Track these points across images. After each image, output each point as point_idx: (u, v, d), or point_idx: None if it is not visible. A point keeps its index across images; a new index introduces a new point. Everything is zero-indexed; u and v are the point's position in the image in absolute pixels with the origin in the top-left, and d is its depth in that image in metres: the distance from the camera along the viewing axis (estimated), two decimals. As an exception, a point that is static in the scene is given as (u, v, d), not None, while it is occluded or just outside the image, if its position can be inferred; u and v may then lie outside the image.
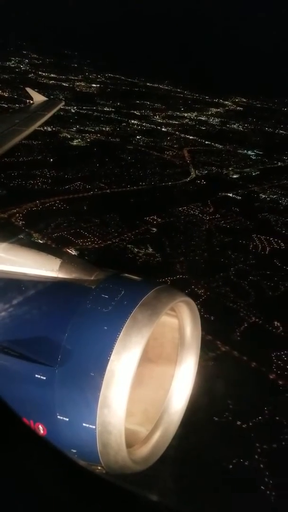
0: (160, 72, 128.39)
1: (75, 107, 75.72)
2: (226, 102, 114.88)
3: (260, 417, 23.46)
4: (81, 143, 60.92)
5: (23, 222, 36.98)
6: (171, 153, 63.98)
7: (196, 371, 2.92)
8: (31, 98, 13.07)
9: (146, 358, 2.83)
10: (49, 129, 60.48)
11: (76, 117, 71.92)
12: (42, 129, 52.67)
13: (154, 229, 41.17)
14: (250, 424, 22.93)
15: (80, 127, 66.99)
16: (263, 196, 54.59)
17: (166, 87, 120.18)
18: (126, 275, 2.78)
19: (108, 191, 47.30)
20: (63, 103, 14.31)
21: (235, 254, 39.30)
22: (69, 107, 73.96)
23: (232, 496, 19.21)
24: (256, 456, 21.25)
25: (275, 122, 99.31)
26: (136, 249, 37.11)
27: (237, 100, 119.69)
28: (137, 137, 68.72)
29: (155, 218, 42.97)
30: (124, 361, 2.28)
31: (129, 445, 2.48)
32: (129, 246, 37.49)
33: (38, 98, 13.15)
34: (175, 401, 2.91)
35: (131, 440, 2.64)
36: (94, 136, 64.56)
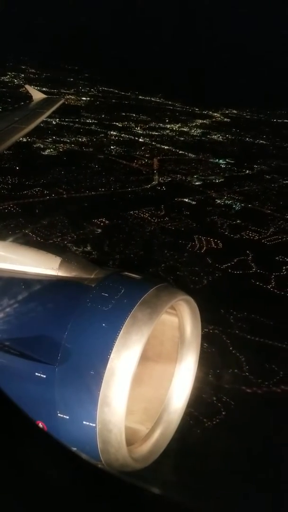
0: (156, 85, 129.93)
1: (57, 119, 77.53)
2: (215, 114, 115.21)
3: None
4: (52, 152, 63.44)
5: (-29, 224, 39.91)
6: (140, 162, 65.86)
7: (196, 370, 2.95)
8: (30, 96, 13.32)
9: (146, 357, 2.82)
10: (24, 139, 62.48)
11: (55, 128, 74.10)
12: (16, 139, 55.68)
13: (99, 230, 43.75)
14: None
15: (56, 137, 69.28)
16: (219, 201, 56.80)
17: (158, 100, 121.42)
18: (126, 273, 2.82)
19: (65, 196, 49.93)
20: (63, 100, 14.34)
21: (170, 252, 41.76)
22: (50, 119, 75.22)
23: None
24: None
25: (258, 132, 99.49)
26: (74, 247, 39.54)
27: (227, 112, 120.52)
28: (111, 147, 70.82)
29: (103, 220, 45.61)
30: (124, 360, 2.29)
31: (129, 443, 2.51)
32: (69, 244, 40.03)
33: (37, 95, 13.34)
34: (175, 399, 2.94)
35: (131, 438, 2.67)
36: (68, 146, 67.06)
